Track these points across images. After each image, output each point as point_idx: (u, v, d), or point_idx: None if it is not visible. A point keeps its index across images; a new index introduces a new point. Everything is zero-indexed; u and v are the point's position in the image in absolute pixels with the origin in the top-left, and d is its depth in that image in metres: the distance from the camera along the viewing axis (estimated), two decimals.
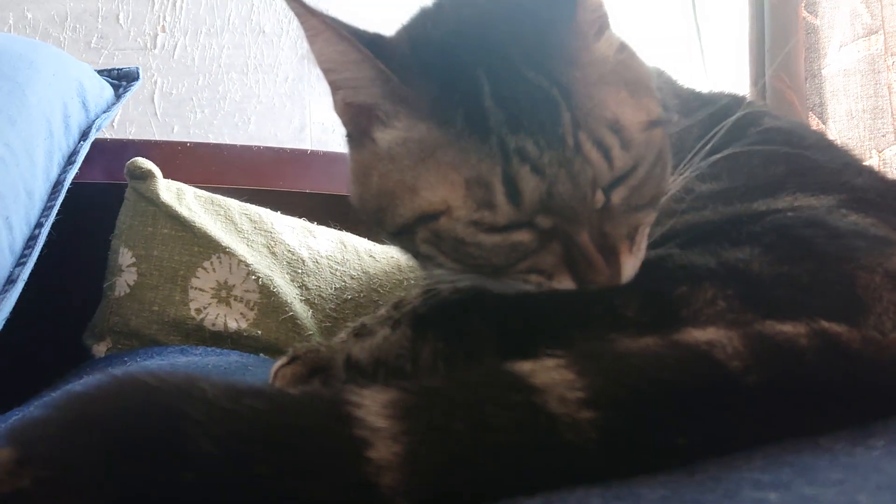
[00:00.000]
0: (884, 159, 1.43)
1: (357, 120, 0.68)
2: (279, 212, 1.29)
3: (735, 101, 0.94)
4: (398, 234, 0.69)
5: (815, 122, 1.54)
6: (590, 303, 0.60)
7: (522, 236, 0.63)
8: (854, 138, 1.47)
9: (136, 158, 1.20)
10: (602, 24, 0.68)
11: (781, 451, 0.49)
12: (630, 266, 0.64)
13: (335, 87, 0.68)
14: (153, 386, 0.45)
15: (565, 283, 0.64)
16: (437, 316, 0.61)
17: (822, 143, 0.92)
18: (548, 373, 0.50)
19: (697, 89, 1.01)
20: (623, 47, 0.70)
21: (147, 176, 1.18)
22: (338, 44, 0.63)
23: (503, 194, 0.60)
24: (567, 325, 0.58)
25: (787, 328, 0.55)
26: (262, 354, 1.10)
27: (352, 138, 0.71)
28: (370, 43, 0.64)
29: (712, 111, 0.86)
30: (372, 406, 0.46)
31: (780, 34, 1.49)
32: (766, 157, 0.78)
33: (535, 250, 0.63)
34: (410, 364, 0.56)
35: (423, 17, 0.73)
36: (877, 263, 0.64)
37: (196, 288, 1.13)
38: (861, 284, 0.63)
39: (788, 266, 0.62)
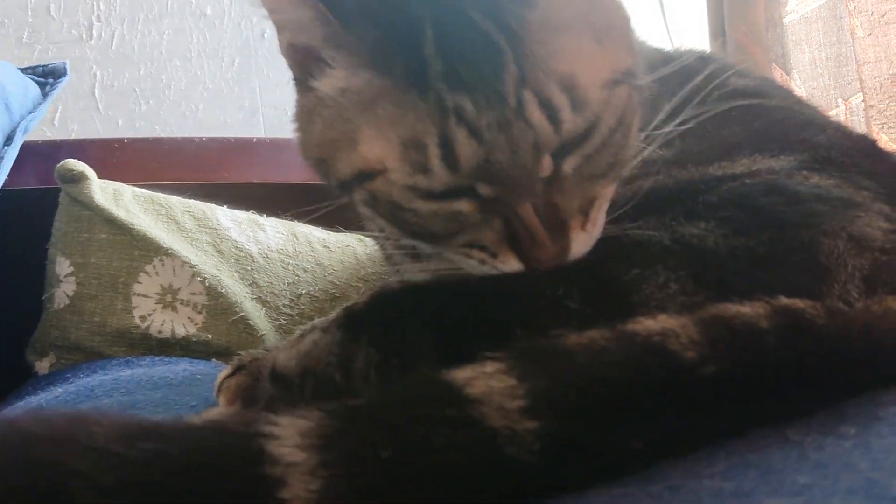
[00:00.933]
0: (850, 108, 1.39)
1: (302, 63, 0.63)
2: (226, 206, 1.23)
3: (701, 61, 0.89)
4: (339, 190, 0.64)
5: (778, 73, 1.49)
6: (534, 293, 0.55)
7: (462, 206, 0.58)
8: (819, 87, 1.43)
9: (67, 160, 1.13)
10: None
11: (746, 449, 0.45)
12: (581, 242, 0.58)
13: (279, 28, 0.64)
14: (36, 434, 0.41)
15: (510, 262, 0.59)
16: (370, 316, 0.56)
17: (787, 100, 0.87)
18: (486, 380, 0.46)
19: (665, 49, 0.96)
20: None
21: (79, 178, 1.12)
22: None
23: (439, 158, 0.55)
24: (508, 322, 0.53)
25: (745, 309, 0.51)
26: (214, 360, 1.04)
27: (298, 82, 0.66)
28: None
29: (679, 73, 0.81)
30: (288, 437, 0.41)
31: None
32: (725, 118, 0.73)
33: (475, 223, 0.58)
34: (341, 374, 0.51)
35: None
36: (840, 228, 0.60)
37: (139, 294, 1.07)
38: (824, 251, 0.58)
39: (745, 239, 0.57)
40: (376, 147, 0.57)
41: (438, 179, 0.56)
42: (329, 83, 0.61)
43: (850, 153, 0.72)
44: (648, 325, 0.50)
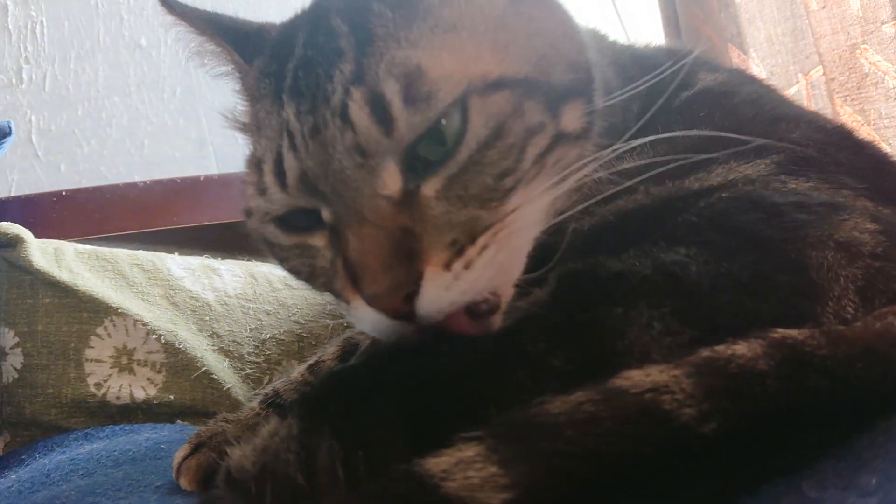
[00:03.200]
0: (811, 82, 1.36)
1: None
2: (177, 252, 1.16)
3: (669, 57, 0.84)
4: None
5: (735, 53, 1.46)
6: (510, 353, 0.50)
7: (315, 239, 0.53)
8: (778, 64, 1.40)
9: (0, 223, 1.06)
10: None
11: None
12: (439, 287, 0.48)
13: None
14: None
15: (361, 310, 0.49)
16: (331, 399, 0.50)
17: (757, 93, 0.83)
18: (465, 471, 0.41)
19: (636, 48, 0.91)
20: None
21: (15, 242, 1.04)
22: (207, 41, 0.61)
23: (271, 174, 0.51)
24: (485, 391, 0.47)
25: (740, 350, 0.47)
26: (178, 421, 0.98)
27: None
28: (235, 35, 0.60)
29: (650, 78, 0.77)
30: None
31: None
32: (695, 120, 0.69)
33: (330, 260, 0.52)
34: (304, 473, 0.45)
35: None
36: (826, 236, 0.56)
37: (92, 360, 1.00)
38: (813, 265, 0.54)
39: (727, 263, 0.53)
40: (250, 178, 0.55)
41: (273, 199, 0.52)
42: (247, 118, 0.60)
43: (826, 149, 0.69)
44: (637, 380, 0.45)
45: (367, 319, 0.49)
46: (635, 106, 0.72)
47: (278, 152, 0.50)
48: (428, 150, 0.49)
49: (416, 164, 0.49)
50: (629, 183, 0.63)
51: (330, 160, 0.48)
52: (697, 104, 0.72)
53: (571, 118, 0.60)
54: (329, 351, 0.69)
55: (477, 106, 0.50)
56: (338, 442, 0.45)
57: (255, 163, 0.53)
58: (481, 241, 0.49)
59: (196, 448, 0.69)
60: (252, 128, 0.57)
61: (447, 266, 0.47)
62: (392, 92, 0.48)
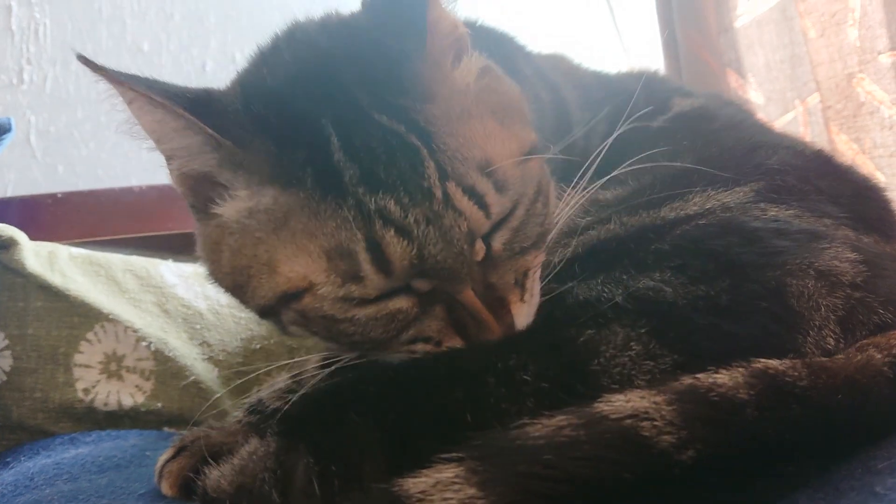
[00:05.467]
0: (808, 109, 1.37)
1: (197, 190, 0.60)
2: (170, 259, 1.16)
3: (643, 84, 0.85)
4: (262, 315, 0.60)
5: (733, 78, 1.47)
6: (483, 369, 0.50)
7: (401, 303, 0.55)
8: (775, 90, 1.41)
9: None
10: (460, 48, 0.60)
11: None
12: (523, 315, 0.57)
13: (167, 158, 0.60)
14: None
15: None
16: (309, 417, 0.51)
17: (735, 119, 0.83)
18: (443, 492, 0.41)
19: (603, 72, 0.92)
20: (486, 70, 0.62)
21: (9, 244, 1.04)
22: (153, 111, 0.55)
23: (369, 263, 0.52)
24: (461, 406, 0.48)
25: (722, 379, 0.47)
26: (166, 428, 0.98)
27: (195, 209, 0.62)
28: (192, 103, 0.54)
29: (617, 103, 0.77)
30: None
31: None
32: (672, 152, 0.70)
33: (416, 317, 0.55)
34: (279, 490, 0.45)
35: (257, 64, 0.64)
36: (807, 264, 0.56)
37: (81, 365, 1.00)
38: (794, 293, 0.55)
39: (704, 286, 0.53)
40: (298, 264, 0.53)
41: (372, 284, 0.53)
42: (233, 207, 0.57)
43: (805, 176, 0.69)
44: (618, 405, 0.45)
45: None
46: (601, 127, 0.74)
47: (370, 241, 0.51)
48: None
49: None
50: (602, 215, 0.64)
51: (450, 242, 0.53)
52: (679, 130, 0.72)
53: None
54: (313, 359, 0.70)
55: (523, 175, 0.58)
56: (314, 459, 0.46)
57: (323, 253, 0.52)
58: (529, 276, 0.59)
59: (178, 452, 0.69)
60: (266, 212, 0.55)
61: (521, 299, 0.57)
62: (483, 185, 0.54)
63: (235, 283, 0.58)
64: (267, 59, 0.62)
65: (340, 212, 0.52)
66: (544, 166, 0.62)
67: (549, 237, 0.62)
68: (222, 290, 0.62)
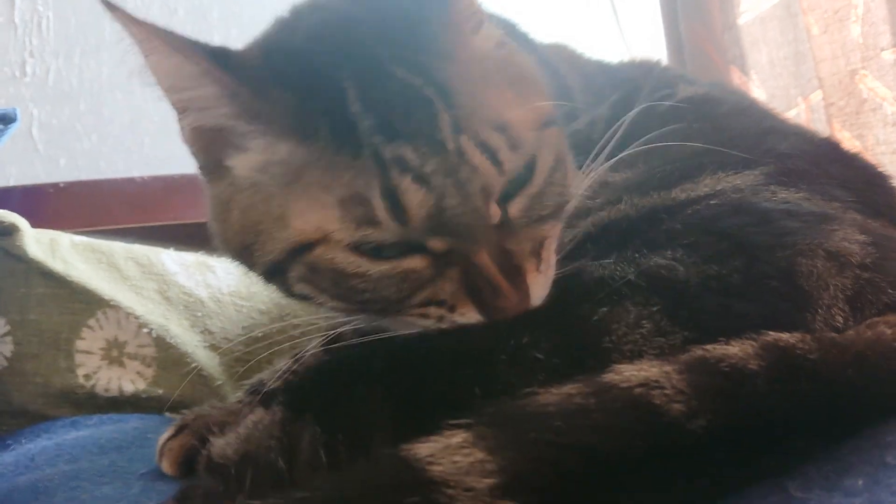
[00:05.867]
0: (810, 106, 1.37)
1: (209, 148, 0.59)
2: (172, 248, 1.16)
3: (645, 72, 0.85)
4: (270, 275, 0.60)
5: (737, 74, 1.47)
6: (496, 344, 0.50)
7: (415, 263, 0.54)
8: (779, 87, 1.41)
9: None
10: (478, 21, 0.60)
11: None
12: (539, 286, 0.56)
13: (179, 110, 0.59)
14: None
15: (469, 315, 0.55)
16: (316, 387, 0.51)
17: (742, 105, 0.83)
18: (451, 455, 0.41)
19: (605, 61, 0.92)
20: (503, 43, 0.62)
21: (11, 230, 1.04)
22: (172, 56, 0.54)
23: (385, 210, 0.51)
24: (471, 379, 0.48)
25: (732, 350, 0.47)
26: (167, 414, 0.98)
27: (206, 170, 0.62)
28: (212, 54, 0.54)
29: (622, 88, 0.77)
30: None
31: None
32: (682, 135, 0.70)
33: (430, 278, 0.55)
34: (284, 458, 0.45)
35: (277, 26, 0.64)
36: (816, 245, 0.56)
37: (82, 351, 1.00)
38: (803, 273, 0.54)
39: (717, 266, 0.53)
40: (312, 215, 0.53)
41: (388, 230, 0.52)
42: (246, 162, 0.57)
43: (816, 161, 0.69)
44: (628, 375, 0.45)
45: (460, 321, 0.56)
46: (605, 112, 0.74)
47: (387, 189, 0.51)
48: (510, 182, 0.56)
49: (501, 194, 0.56)
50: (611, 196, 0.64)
51: (467, 196, 0.52)
52: (688, 113, 0.72)
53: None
54: (314, 343, 0.70)
55: (541, 143, 0.58)
56: (321, 427, 0.46)
57: (337, 202, 0.52)
58: (545, 246, 0.58)
59: (179, 430, 0.70)
60: (280, 164, 0.55)
61: (538, 270, 0.56)
62: (496, 140, 0.54)
63: (244, 243, 0.58)
64: (286, 22, 0.63)
65: (356, 161, 0.52)
66: (563, 139, 0.62)
67: (568, 208, 0.61)
68: (229, 255, 0.62)
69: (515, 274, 0.54)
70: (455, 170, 0.52)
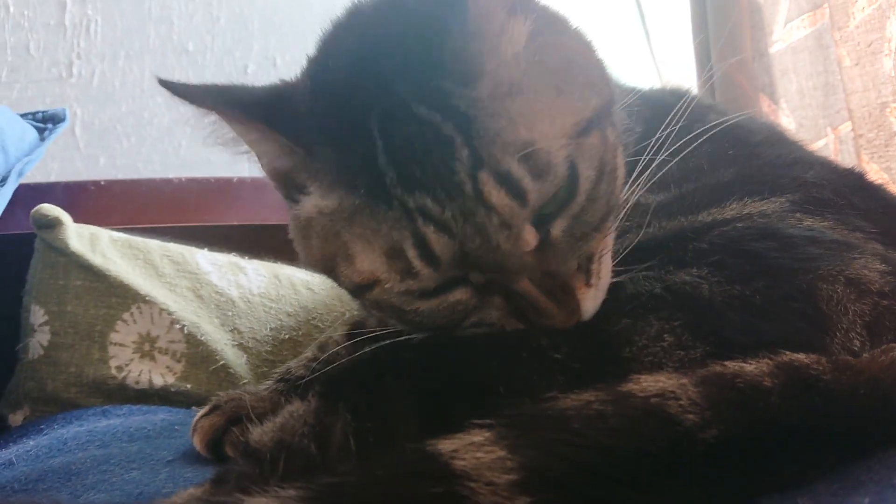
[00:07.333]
0: (839, 137, 1.38)
1: (285, 182, 0.63)
2: (206, 248, 1.19)
3: (678, 99, 0.87)
4: (352, 297, 0.65)
5: (766, 103, 1.48)
6: (518, 346, 0.53)
7: (459, 295, 0.57)
8: (808, 117, 1.42)
9: (42, 205, 1.10)
10: (511, 5, 0.58)
11: None
12: (590, 299, 0.57)
13: (258, 155, 0.63)
14: None
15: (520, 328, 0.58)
16: (348, 380, 0.54)
17: (772, 138, 0.85)
18: (474, 451, 0.43)
19: (639, 87, 0.94)
20: (538, 31, 0.58)
21: (55, 224, 1.08)
22: (233, 125, 0.59)
23: (419, 259, 0.54)
24: (494, 380, 0.50)
25: (748, 367, 0.48)
26: (194, 408, 1.00)
27: (287, 199, 0.65)
28: (267, 111, 0.58)
29: (656, 113, 0.79)
30: None
31: (722, 14, 1.43)
32: (712, 161, 0.71)
33: (476, 306, 0.58)
34: (317, 444, 0.48)
35: (321, 52, 0.65)
36: (837, 271, 0.58)
37: (116, 343, 1.03)
38: (823, 297, 0.56)
39: (740, 286, 0.55)
40: (366, 260, 0.56)
41: (426, 279, 0.55)
42: (311, 202, 0.60)
43: (840, 191, 0.71)
44: (646, 385, 0.47)
45: None
46: (639, 127, 0.75)
47: (417, 239, 0.53)
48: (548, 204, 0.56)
49: (540, 216, 0.55)
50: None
51: (487, 236, 0.53)
52: (720, 140, 0.74)
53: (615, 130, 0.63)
54: (340, 331, 0.73)
55: (581, 154, 0.56)
56: (351, 416, 0.48)
57: (382, 252, 0.55)
58: (596, 258, 0.58)
59: (212, 409, 0.73)
60: (334, 212, 0.58)
61: (588, 284, 0.57)
62: (518, 171, 0.53)
63: (326, 269, 0.62)
64: (328, 48, 0.64)
65: (390, 213, 0.54)
66: (608, 138, 0.59)
67: (619, 214, 0.61)
68: (317, 272, 0.67)
69: (562, 293, 0.55)
70: (472, 213, 0.53)
